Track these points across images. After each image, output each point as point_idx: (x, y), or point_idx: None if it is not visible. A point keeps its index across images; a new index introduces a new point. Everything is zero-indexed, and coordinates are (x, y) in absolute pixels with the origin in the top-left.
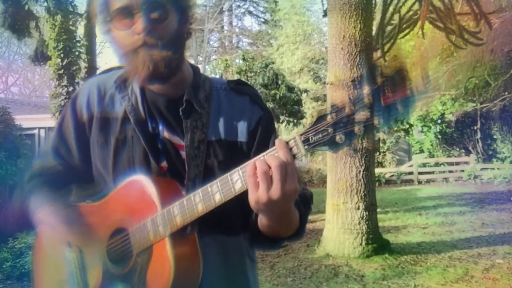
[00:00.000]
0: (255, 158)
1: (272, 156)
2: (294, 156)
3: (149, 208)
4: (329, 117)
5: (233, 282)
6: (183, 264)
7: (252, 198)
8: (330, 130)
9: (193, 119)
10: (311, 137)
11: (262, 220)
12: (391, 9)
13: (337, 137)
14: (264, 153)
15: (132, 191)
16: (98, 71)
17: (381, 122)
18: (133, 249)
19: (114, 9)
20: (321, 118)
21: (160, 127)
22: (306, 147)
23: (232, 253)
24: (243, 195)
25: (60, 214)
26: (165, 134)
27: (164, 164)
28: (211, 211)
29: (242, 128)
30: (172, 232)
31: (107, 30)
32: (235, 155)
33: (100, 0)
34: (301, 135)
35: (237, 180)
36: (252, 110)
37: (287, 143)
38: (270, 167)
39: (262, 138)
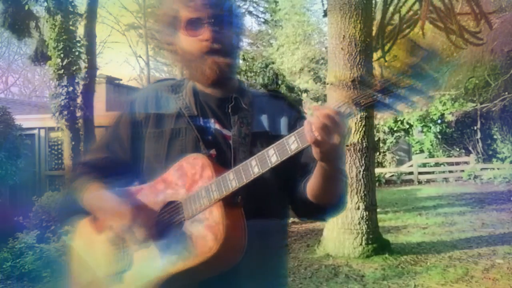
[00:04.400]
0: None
1: (321, 112)
2: (348, 115)
3: (203, 180)
4: (378, 85)
5: (269, 264)
6: (232, 233)
7: (316, 148)
8: (378, 94)
9: (240, 115)
10: (362, 101)
11: (319, 177)
12: (391, 9)
13: (384, 99)
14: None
15: (186, 167)
16: (98, 71)
17: (422, 87)
18: (185, 216)
19: (185, 19)
20: (370, 85)
21: (211, 121)
22: (357, 108)
23: (271, 236)
24: (285, 179)
25: (107, 195)
26: (216, 126)
27: (213, 151)
28: (251, 194)
29: (283, 124)
30: (225, 197)
31: (173, 41)
32: None
33: (170, 14)
34: (352, 99)
35: (293, 141)
36: (291, 111)
37: (338, 105)
38: (325, 121)
39: None
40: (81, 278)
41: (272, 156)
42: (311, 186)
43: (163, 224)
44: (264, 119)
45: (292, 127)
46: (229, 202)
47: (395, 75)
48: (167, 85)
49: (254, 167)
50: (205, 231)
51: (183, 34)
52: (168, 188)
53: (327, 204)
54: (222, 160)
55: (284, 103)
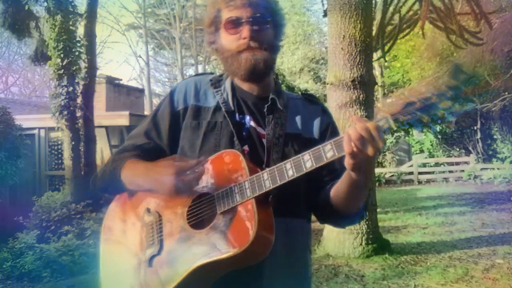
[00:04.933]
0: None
1: (361, 125)
2: (385, 131)
3: (237, 176)
4: (418, 103)
5: (294, 261)
6: (262, 230)
7: (350, 159)
8: (418, 113)
9: (275, 116)
10: (400, 117)
11: (346, 184)
12: (391, 9)
13: (424, 119)
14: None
15: (221, 161)
16: (98, 71)
17: (460, 110)
18: (217, 209)
19: (226, 18)
20: (410, 103)
21: (247, 118)
22: (396, 124)
23: (296, 235)
24: (315, 182)
25: (143, 181)
26: (251, 123)
27: (246, 147)
28: (280, 195)
29: (316, 127)
30: (258, 196)
31: (214, 40)
32: (309, 147)
33: (213, 13)
34: (392, 115)
35: (329, 149)
36: (323, 116)
37: (377, 120)
38: (363, 134)
39: (332, 137)
40: (111, 259)
41: (307, 161)
42: (336, 192)
43: (196, 214)
44: (297, 121)
45: (323, 132)
46: (261, 200)
47: (435, 95)
48: (207, 78)
49: (289, 170)
50: (238, 225)
51: (224, 32)
52: (201, 180)
53: (348, 212)
54: (255, 157)
55: (317, 108)
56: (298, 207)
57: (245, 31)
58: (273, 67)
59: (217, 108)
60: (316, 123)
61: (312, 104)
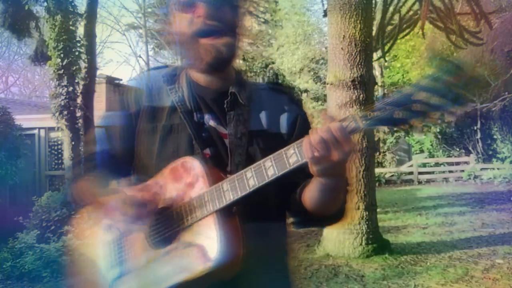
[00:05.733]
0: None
1: (324, 128)
2: (353, 131)
3: (197, 187)
4: (388, 96)
5: (272, 268)
6: (228, 243)
7: (313, 165)
8: (388, 107)
9: (237, 112)
10: (369, 114)
11: (316, 189)
12: (391, 9)
13: (396, 113)
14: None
15: (179, 171)
16: (98, 71)
17: (439, 102)
18: (178, 226)
19: (174, 2)
20: (380, 98)
21: (206, 117)
22: (364, 121)
23: (272, 241)
24: (285, 181)
25: (101, 194)
26: (211, 123)
27: (207, 151)
28: (251, 198)
29: (283, 121)
30: (219, 210)
31: (168, 21)
32: (276, 145)
33: None
34: (359, 112)
35: (292, 154)
36: (292, 106)
37: (343, 119)
38: (324, 137)
39: (301, 130)
40: (86, 277)
41: (269, 168)
42: (307, 197)
43: (158, 232)
44: (263, 116)
45: (291, 126)
46: (224, 212)
47: (409, 85)
48: (160, 74)
49: (250, 179)
50: (200, 243)
51: (176, 12)
52: (160, 192)
53: (325, 215)
54: (218, 161)
55: (285, 98)
56: (270, 209)
57: (200, 8)
58: (236, 55)
59: (173, 108)
60: (284, 116)
61: (280, 94)
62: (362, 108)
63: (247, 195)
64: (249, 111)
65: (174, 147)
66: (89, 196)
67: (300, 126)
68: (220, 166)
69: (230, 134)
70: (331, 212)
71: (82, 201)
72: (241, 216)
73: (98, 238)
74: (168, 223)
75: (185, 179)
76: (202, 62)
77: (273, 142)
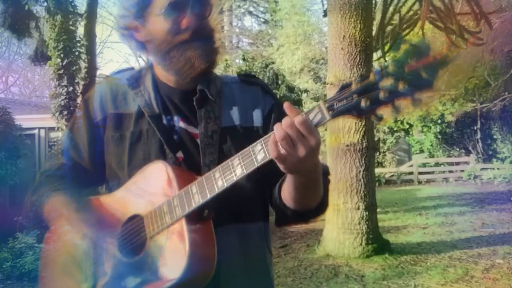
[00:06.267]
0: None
1: (284, 121)
2: (319, 123)
3: (166, 192)
4: (353, 84)
5: (252, 271)
6: (199, 251)
7: (281, 163)
8: (354, 96)
9: (207, 109)
10: (335, 103)
11: (291, 187)
12: (391, 9)
13: (362, 102)
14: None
15: (149, 177)
16: (98, 72)
17: (405, 87)
18: (147, 233)
19: (161, 3)
20: (345, 86)
21: (175, 119)
22: (330, 112)
23: (252, 242)
24: (263, 180)
25: (69, 208)
26: (181, 124)
27: (180, 154)
28: (229, 199)
29: (257, 114)
30: (189, 213)
31: (136, 26)
32: (252, 140)
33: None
34: (325, 101)
35: (260, 150)
36: (265, 98)
37: (308, 111)
38: (289, 133)
39: (276, 122)
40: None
41: (237, 167)
42: (285, 194)
43: (127, 241)
44: (234, 111)
45: (266, 117)
46: (195, 216)
47: (374, 72)
48: (124, 78)
49: (218, 179)
50: (169, 251)
51: (158, 20)
52: (131, 199)
53: (306, 210)
54: (191, 163)
55: (257, 89)
56: (248, 209)
57: (185, 20)
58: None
59: (140, 113)
60: (257, 108)
61: (251, 85)
62: (327, 98)
63: (217, 196)
64: (219, 107)
65: (145, 154)
66: (59, 214)
67: (277, 117)
68: (194, 168)
69: (201, 133)
70: (312, 206)
71: (50, 220)
72: (216, 218)
73: (69, 248)
74: (137, 231)
75: (154, 185)
76: (193, 71)
77: (248, 137)
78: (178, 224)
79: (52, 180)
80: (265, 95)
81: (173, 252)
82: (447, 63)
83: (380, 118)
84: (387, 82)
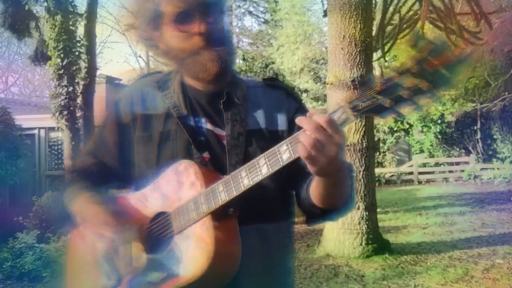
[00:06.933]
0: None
1: (311, 125)
2: (344, 122)
3: (193, 190)
4: (378, 85)
5: (273, 270)
6: (223, 248)
7: (312, 165)
8: (379, 96)
9: (233, 112)
10: (360, 104)
11: (321, 187)
12: (391, 9)
13: (386, 102)
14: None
15: (176, 175)
16: (98, 71)
17: (429, 87)
18: (173, 230)
19: (172, 14)
20: (369, 87)
21: (203, 120)
22: (355, 113)
23: (273, 242)
24: (287, 180)
25: (95, 205)
26: (208, 125)
27: (206, 154)
28: (253, 198)
29: (281, 118)
30: (215, 211)
31: (152, 37)
32: (276, 143)
33: (150, 9)
34: (349, 103)
35: (285, 150)
36: (289, 101)
37: (333, 112)
38: (318, 133)
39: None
40: None
41: (262, 166)
42: (313, 194)
43: (153, 237)
44: (259, 114)
45: (291, 121)
46: (220, 214)
47: (398, 73)
48: (153, 81)
49: (244, 178)
50: (194, 247)
51: (171, 29)
52: (157, 197)
53: (335, 208)
54: (217, 164)
55: (281, 93)
56: (272, 209)
57: (198, 25)
58: (235, 58)
59: (168, 114)
60: (282, 112)
61: (275, 89)
62: (351, 99)
63: (242, 195)
64: (245, 110)
65: (172, 153)
66: (87, 211)
67: None
68: (219, 168)
69: (227, 135)
70: (340, 204)
71: (79, 217)
72: (240, 218)
73: (97, 244)
74: (164, 227)
75: (181, 183)
76: (208, 73)
77: (273, 140)
78: (204, 221)
79: (81, 178)
80: (290, 99)
81: (198, 249)
82: (466, 60)
83: (402, 117)
84: (410, 82)
